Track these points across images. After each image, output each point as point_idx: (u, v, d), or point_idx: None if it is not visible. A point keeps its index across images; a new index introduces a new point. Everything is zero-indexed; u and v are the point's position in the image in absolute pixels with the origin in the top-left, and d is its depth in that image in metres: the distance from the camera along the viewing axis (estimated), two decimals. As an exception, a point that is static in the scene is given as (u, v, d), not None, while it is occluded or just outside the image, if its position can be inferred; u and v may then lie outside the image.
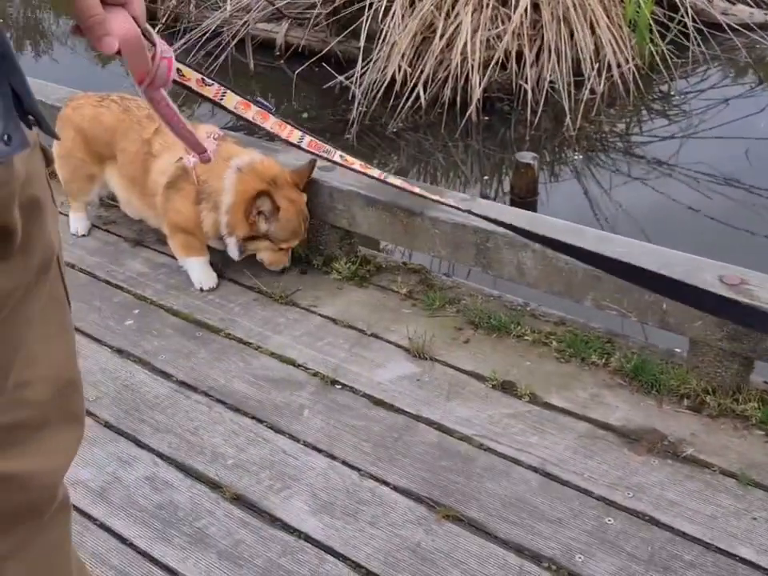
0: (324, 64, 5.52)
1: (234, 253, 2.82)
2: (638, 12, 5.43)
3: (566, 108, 4.96)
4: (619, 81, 5.20)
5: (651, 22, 5.42)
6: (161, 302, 2.84)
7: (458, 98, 5.04)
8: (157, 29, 6.03)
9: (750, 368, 2.27)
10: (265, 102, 1.56)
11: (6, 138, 0.86)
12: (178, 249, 2.91)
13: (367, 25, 5.27)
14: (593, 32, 5.23)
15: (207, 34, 5.80)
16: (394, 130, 5.07)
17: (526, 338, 2.56)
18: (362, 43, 5.26)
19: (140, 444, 2.28)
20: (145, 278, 2.98)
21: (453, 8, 5.14)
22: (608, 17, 5.31)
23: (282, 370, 2.51)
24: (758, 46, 5.74)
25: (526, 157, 4.17)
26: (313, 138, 1.51)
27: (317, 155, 1.46)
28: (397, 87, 5.13)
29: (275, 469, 2.17)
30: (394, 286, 2.85)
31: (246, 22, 5.85)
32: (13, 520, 1.09)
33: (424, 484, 2.10)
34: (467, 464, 2.15)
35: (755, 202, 4.18)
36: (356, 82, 5.19)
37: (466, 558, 1.92)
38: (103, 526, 2.05)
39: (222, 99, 1.39)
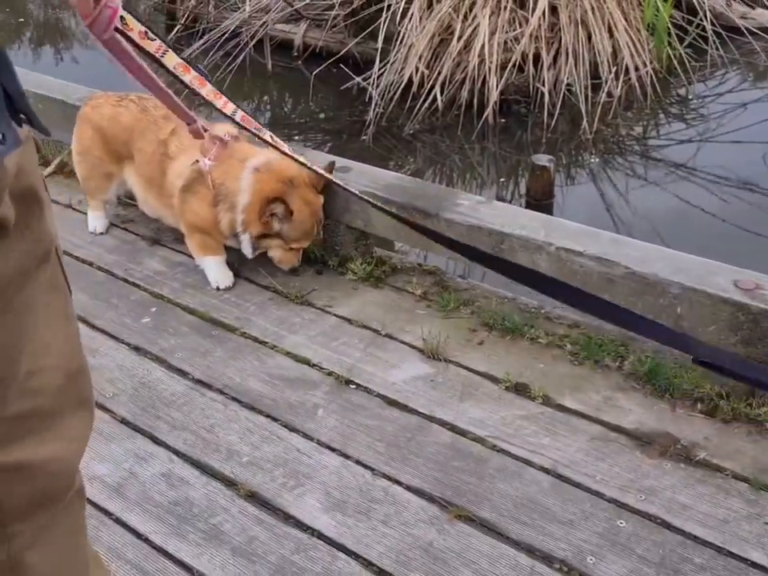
0: (341, 65, 5.53)
1: (246, 249, 2.84)
2: (656, 15, 5.42)
3: (583, 111, 4.96)
4: (637, 84, 5.19)
5: (670, 25, 5.40)
6: (177, 300, 2.87)
7: (475, 100, 5.05)
8: (176, 29, 6.09)
9: (764, 373, 2.27)
10: (203, 69, 1.57)
11: (0, 137, 0.90)
12: (195, 248, 2.94)
13: (385, 26, 5.28)
14: (611, 35, 5.22)
15: (226, 35, 5.83)
16: (411, 131, 5.08)
17: (540, 340, 2.57)
18: (379, 45, 5.27)
19: (156, 441, 2.30)
20: (162, 276, 3.01)
21: (470, 10, 5.15)
22: (626, 20, 5.30)
23: (296, 369, 2.53)
24: (776, 51, 5.72)
25: (542, 159, 4.17)
26: (245, 114, 1.53)
27: (248, 130, 1.48)
28: (414, 89, 5.14)
29: (289, 467, 2.19)
30: (409, 287, 2.87)
31: (264, 22, 5.87)
32: (33, 508, 1.12)
33: (436, 484, 2.12)
34: (480, 465, 2.17)
35: (772, 207, 4.17)
36: (373, 84, 5.20)
37: (478, 557, 1.93)
38: (119, 521, 2.07)
39: (162, 56, 1.39)
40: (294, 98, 5.94)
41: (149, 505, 2.11)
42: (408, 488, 2.12)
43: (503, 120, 5.11)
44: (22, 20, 7.67)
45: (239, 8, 6.02)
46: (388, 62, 5.24)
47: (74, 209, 3.44)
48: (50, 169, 3.70)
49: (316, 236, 2.87)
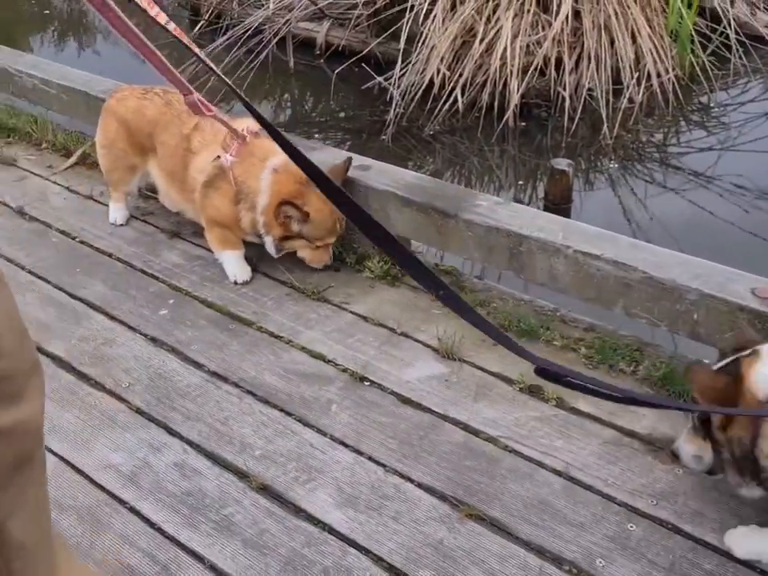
0: (363, 65, 5.55)
1: (271, 250, 2.86)
2: (680, 22, 5.41)
3: (604, 116, 4.95)
4: (658, 90, 5.18)
5: (693, 32, 5.39)
6: (195, 293, 2.89)
7: (496, 103, 5.05)
8: (200, 24, 6.12)
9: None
10: None
11: None
12: (214, 242, 2.96)
13: (408, 27, 5.29)
14: (633, 41, 5.21)
15: (249, 32, 5.85)
16: (431, 132, 5.09)
17: (555, 342, 2.57)
18: (401, 45, 5.28)
19: (170, 431, 2.32)
20: (180, 269, 3.02)
21: (494, 13, 5.15)
22: (650, 26, 5.29)
23: (311, 364, 2.55)
24: (800, 61, 5.69)
25: (562, 163, 4.17)
26: (177, 27, 1.57)
27: (180, 41, 1.52)
28: (435, 90, 5.14)
29: (302, 461, 2.20)
30: (425, 286, 2.87)
31: (287, 20, 5.89)
32: (13, 471, 1.16)
33: (448, 482, 2.12)
34: (492, 465, 2.17)
35: (792, 218, 4.15)
36: (394, 84, 5.21)
37: (487, 557, 1.94)
38: (132, 510, 2.09)
39: None
40: (315, 97, 5.96)
41: (162, 494, 2.13)
42: (420, 486, 2.13)
43: (523, 123, 5.11)
44: (47, 12, 7.73)
45: (263, 5, 6.04)
46: (410, 62, 5.25)
47: (95, 200, 3.46)
48: (72, 160, 3.73)
49: (340, 231, 2.87)
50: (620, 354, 2.49)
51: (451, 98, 5.08)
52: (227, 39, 5.88)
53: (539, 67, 5.10)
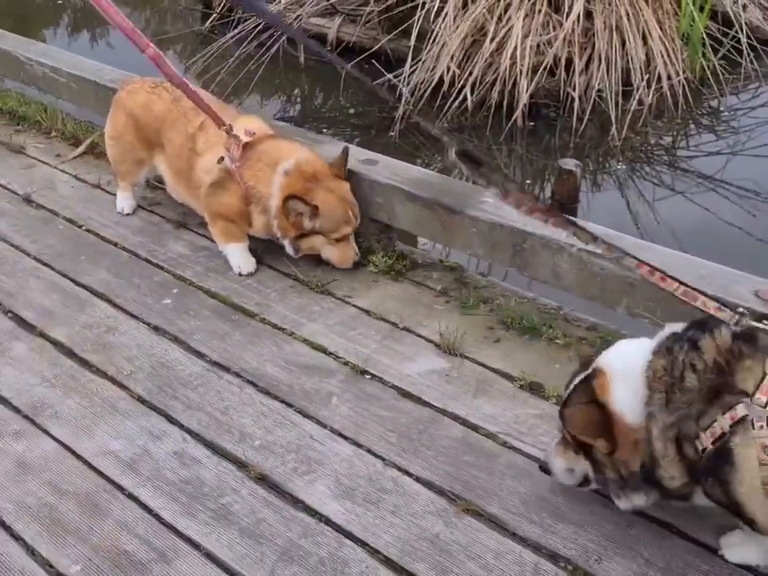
0: (374, 61, 5.54)
1: (290, 251, 2.87)
2: (691, 25, 5.39)
3: (613, 117, 4.94)
4: (668, 93, 5.17)
5: (704, 36, 5.37)
6: (200, 283, 2.90)
7: (505, 102, 5.04)
8: (211, 18, 6.12)
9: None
10: None
11: None
12: (218, 235, 2.96)
13: (418, 24, 5.28)
14: (644, 43, 5.20)
15: (260, 26, 5.85)
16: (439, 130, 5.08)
17: (558, 341, 2.57)
18: (412, 42, 5.28)
19: (171, 420, 2.33)
20: (185, 259, 3.03)
21: (505, 12, 5.14)
22: (661, 28, 5.27)
23: (313, 356, 2.55)
24: (812, 66, 5.67)
25: (569, 164, 4.16)
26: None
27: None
28: (444, 88, 5.14)
29: (301, 452, 2.21)
30: (429, 282, 2.88)
31: (299, 15, 5.89)
32: None
33: (446, 477, 2.13)
34: (490, 460, 2.17)
35: (800, 222, 4.13)
36: (404, 81, 5.21)
37: (483, 552, 1.94)
38: (131, 496, 2.10)
39: None
40: (324, 92, 5.95)
41: (160, 482, 2.13)
42: (418, 479, 2.13)
43: (532, 123, 5.10)
44: (60, 2, 7.74)
45: (274, 0, 6.04)
46: (420, 60, 5.24)
47: (103, 189, 3.47)
48: (80, 149, 3.74)
49: (355, 222, 2.84)
50: (622, 354, 2.48)
51: (460, 97, 5.08)
52: (238, 33, 5.88)
53: (549, 67, 5.09)
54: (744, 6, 5.63)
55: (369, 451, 2.21)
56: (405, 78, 5.21)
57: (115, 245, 3.11)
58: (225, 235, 2.94)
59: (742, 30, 5.44)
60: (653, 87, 5.15)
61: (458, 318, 2.68)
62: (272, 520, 2.03)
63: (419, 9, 5.30)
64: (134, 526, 2.02)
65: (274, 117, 5.02)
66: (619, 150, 4.87)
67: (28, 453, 2.23)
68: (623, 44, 5.16)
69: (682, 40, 5.41)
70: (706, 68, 5.33)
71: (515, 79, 5.02)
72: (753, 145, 5.01)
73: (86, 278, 2.92)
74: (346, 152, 2.86)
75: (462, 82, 5.11)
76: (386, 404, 2.36)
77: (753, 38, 5.50)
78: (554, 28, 5.14)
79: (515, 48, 5.01)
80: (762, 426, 1.59)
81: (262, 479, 2.13)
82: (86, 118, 4.05)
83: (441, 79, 5.14)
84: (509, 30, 5.08)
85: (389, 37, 5.61)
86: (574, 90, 5.05)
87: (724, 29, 5.53)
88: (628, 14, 5.13)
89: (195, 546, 1.97)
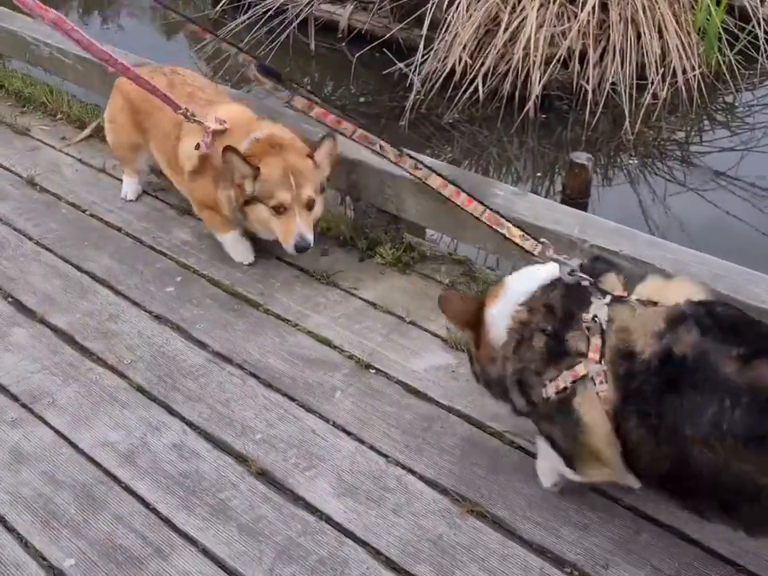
0: (385, 50, 5.48)
1: (242, 223, 2.76)
2: (708, 20, 5.31)
3: (626, 111, 4.87)
4: (683, 88, 5.09)
5: (721, 30, 5.29)
6: (203, 271, 2.85)
7: (517, 94, 4.97)
8: (221, 2, 6.06)
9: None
10: None
11: None
12: (208, 224, 2.90)
13: (431, 13, 5.22)
14: (660, 36, 5.12)
15: (271, 11, 5.79)
16: (450, 120, 5.02)
17: (567, 338, 2.51)
18: (424, 31, 5.21)
19: (171, 411, 2.28)
20: (189, 246, 2.98)
21: (519, 2, 5.07)
22: (677, 22, 5.19)
23: (317, 349, 2.50)
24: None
25: (581, 157, 4.09)
26: None
27: None
28: (456, 78, 5.07)
29: (303, 448, 2.16)
30: (437, 275, 2.82)
31: (310, 2, 5.82)
32: None
33: (451, 476, 2.08)
34: (496, 460, 2.12)
35: (814, 221, 4.07)
36: (415, 70, 5.14)
37: (487, 554, 1.89)
38: (128, 489, 2.05)
39: None
40: (335, 80, 5.89)
41: (158, 475, 2.09)
42: (421, 478, 2.08)
43: (544, 115, 5.03)
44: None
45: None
46: (432, 49, 5.17)
47: (107, 173, 3.42)
48: (86, 132, 3.69)
49: (296, 189, 2.61)
50: (633, 353, 2.43)
51: (472, 87, 5.01)
52: (248, 18, 5.82)
53: (563, 59, 5.02)
54: (762, 1, 5.54)
55: (372, 448, 2.17)
56: (416, 67, 5.15)
57: (119, 230, 3.07)
58: (213, 224, 2.88)
59: (759, 24, 5.35)
60: (667, 81, 5.08)
61: (465, 313, 2.62)
62: (271, 517, 1.98)
63: (432, -3, 5.23)
64: (130, 520, 1.97)
65: (283, 105, 4.95)
66: (632, 145, 4.80)
67: (24, 442, 2.19)
68: (638, 37, 5.08)
69: (698, 34, 5.33)
70: (722, 63, 5.25)
71: (528, 70, 4.95)
72: (767, 141, 4.94)
73: (89, 264, 2.87)
74: (330, 137, 2.73)
75: (473, 73, 5.04)
76: (391, 400, 2.31)
77: (770, 33, 5.42)
78: (569, 19, 5.07)
79: (528, 39, 4.94)
80: (601, 381, 1.68)
81: (263, 474, 2.09)
82: (91, 100, 4.00)
83: (453, 69, 5.07)
84: (523, 20, 5.01)
85: (401, 25, 5.54)
86: (588, 82, 4.98)
87: (741, 23, 5.44)
88: (644, 7, 5.05)
89: (192, 541, 1.93)
